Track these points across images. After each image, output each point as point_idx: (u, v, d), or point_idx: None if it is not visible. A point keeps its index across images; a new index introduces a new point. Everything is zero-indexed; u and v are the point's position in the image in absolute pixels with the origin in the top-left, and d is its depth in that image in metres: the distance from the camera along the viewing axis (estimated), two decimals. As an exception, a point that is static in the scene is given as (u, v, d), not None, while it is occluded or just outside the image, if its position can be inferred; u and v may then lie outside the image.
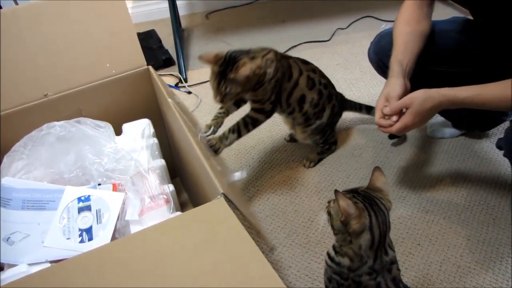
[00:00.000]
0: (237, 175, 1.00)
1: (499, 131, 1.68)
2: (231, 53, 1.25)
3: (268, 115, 1.40)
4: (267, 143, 1.75)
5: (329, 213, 0.94)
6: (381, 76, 1.53)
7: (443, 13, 1.73)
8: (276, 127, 1.80)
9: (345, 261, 0.91)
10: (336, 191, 0.90)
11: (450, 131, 1.69)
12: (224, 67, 1.23)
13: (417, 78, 1.22)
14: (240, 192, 1.44)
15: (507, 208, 1.42)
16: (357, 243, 0.88)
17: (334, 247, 0.96)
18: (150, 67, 1.24)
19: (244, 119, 1.36)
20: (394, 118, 1.15)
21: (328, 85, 1.53)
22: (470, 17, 1.36)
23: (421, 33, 1.28)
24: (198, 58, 1.31)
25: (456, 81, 1.13)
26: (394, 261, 0.93)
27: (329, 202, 0.97)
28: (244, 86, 1.25)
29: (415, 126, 1.15)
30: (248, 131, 1.36)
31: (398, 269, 0.94)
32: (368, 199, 0.91)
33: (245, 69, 1.21)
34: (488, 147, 1.64)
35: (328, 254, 0.97)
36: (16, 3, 2.13)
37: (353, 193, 0.93)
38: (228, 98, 1.26)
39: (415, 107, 1.11)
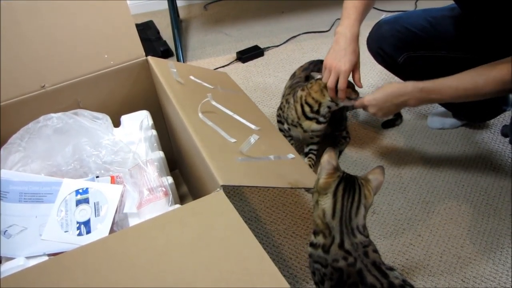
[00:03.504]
0: (253, 138, 1.00)
1: (499, 122, 1.67)
2: None
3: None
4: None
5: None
6: (380, 66, 1.52)
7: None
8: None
9: (320, 239, 0.93)
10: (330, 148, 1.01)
11: (450, 121, 1.68)
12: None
13: (416, 63, 1.21)
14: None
15: (507, 198, 1.41)
16: (321, 207, 0.92)
17: (313, 232, 0.98)
18: (149, 58, 1.22)
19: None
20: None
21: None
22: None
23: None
24: None
25: (454, 66, 1.13)
26: (366, 244, 0.93)
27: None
28: None
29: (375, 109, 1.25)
30: None
31: (375, 251, 0.93)
32: (350, 177, 0.96)
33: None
34: (488, 138, 1.63)
35: (309, 242, 0.98)
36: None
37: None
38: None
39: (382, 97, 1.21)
